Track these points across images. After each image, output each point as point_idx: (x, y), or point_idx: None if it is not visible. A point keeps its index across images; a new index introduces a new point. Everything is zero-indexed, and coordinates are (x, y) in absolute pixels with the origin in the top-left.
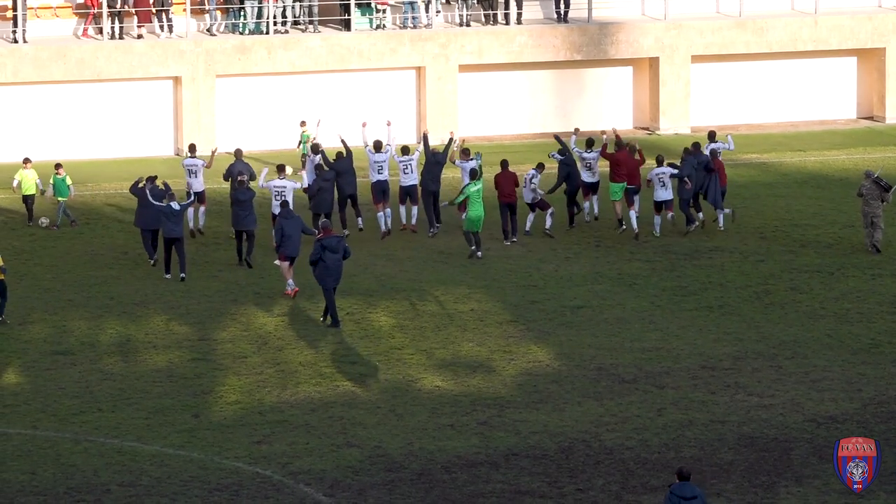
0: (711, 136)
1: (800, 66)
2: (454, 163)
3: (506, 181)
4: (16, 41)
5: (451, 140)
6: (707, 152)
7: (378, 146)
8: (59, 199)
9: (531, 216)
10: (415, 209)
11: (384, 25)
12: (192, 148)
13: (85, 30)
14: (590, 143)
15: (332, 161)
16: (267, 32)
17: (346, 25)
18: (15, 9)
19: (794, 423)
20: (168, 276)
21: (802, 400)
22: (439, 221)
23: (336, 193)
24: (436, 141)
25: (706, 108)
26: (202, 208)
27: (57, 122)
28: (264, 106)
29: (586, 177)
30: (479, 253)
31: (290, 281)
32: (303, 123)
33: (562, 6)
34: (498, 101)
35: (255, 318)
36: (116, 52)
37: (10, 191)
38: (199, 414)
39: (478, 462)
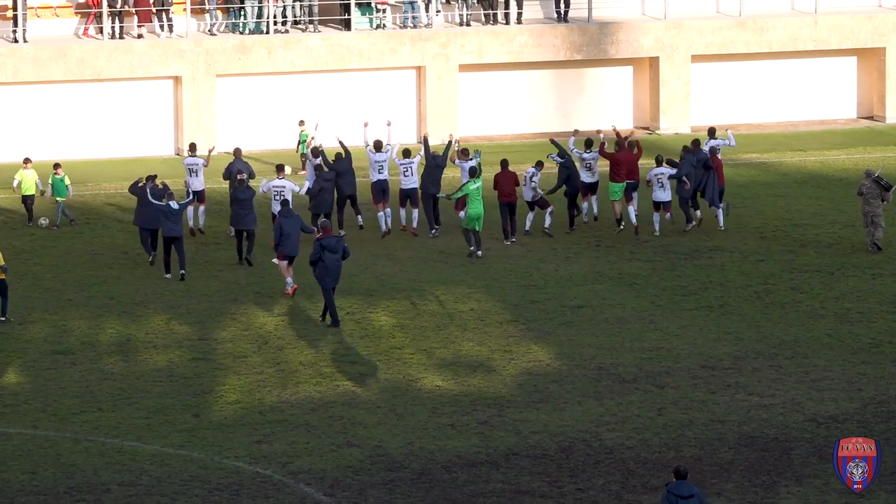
0: (712, 133)
1: (800, 66)
2: (454, 162)
3: (506, 181)
4: (16, 41)
5: (450, 142)
6: (706, 149)
7: (378, 146)
8: (58, 199)
9: (530, 215)
10: (415, 212)
11: (384, 25)
12: (193, 147)
13: (86, 29)
14: (588, 144)
15: (331, 162)
16: (267, 32)
17: (347, 25)
18: (15, 8)
19: (795, 422)
20: (168, 275)
21: (803, 399)
22: (438, 223)
23: (335, 194)
24: (436, 140)
25: (706, 108)
26: (202, 208)
27: (57, 121)
28: (264, 106)
29: (585, 177)
30: (479, 252)
31: (289, 279)
32: (301, 123)
33: (562, 6)
34: (498, 101)
35: (255, 317)
36: (117, 52)
37: (11, 191)
38: (200, 413)
39: (478, 461)
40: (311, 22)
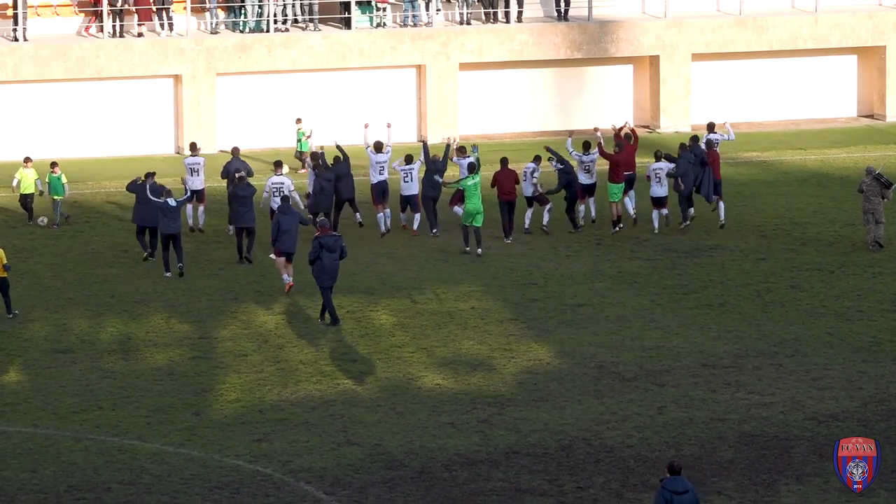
0: (711, 128)
1: (800, 65)
2: (452, 160)
3: (505, 179)
4: (16, 39)
5: (448, 146)
6: (704, 142)
7: (379, 147)
8: (55, 197)
9: (529, 212)
10: (417, 216)
11: (384, 24)
12: (193, 146)
13: (88, 27)
14: (586, 146)
15: (330, 166)
16: (267, 30)
17: (347, 24)
18: (15, 7)
19: (795, 421)
20: (168, 273)
21: (803, 398)
22: (437, 224)
23: (334, 197)
24: (436, 139)
25: (707, 107)
26: (201, 207)
27: (57, 120)
28: (265, 104)
29: (584, 178)
30: (480, 250)
31: (285, 276)
32: (298, 121)
33: (562, 4)
34: (498, 100)
35: (255, 316)
36: (117, 51)
37: (11, 190)
38: (200, 412)
39: (478, 460)
40: (311, 20)
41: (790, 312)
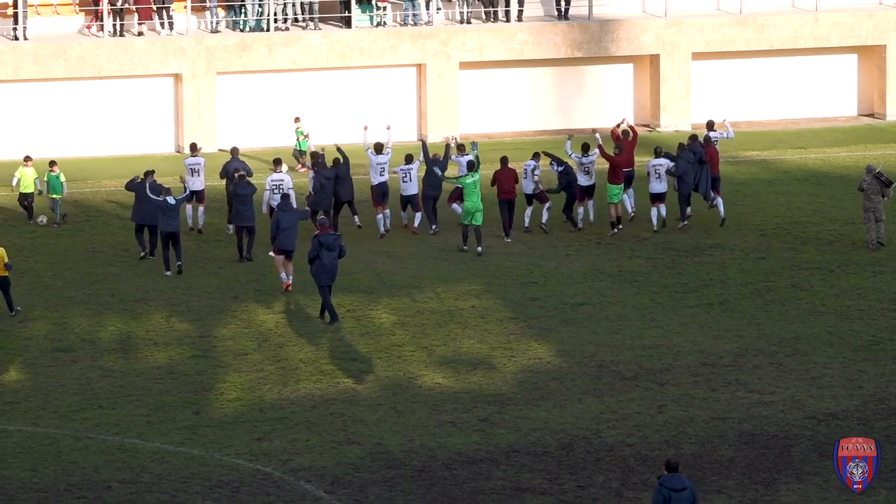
0: (710, 126)
1: (800, 64)
2: (451, 158)
3: (505, 178)
4: (16, 38)
5: (447, 146)
6: (702, 140)
7: (379, 148)
8: (53, 196)
9: (528, 210)
10: (417, 215)
11: (385, 22)
12: (194, 147)
13: (89, 25)
14: (585, 148)
15: (329, 167)
16: (267, 29)
17: (347, 22)
18: (16, 6)
19: (795, 419)
20: (168, 272)
21: (803, 397)
22: (436, 221)
23: (333, 199)
24: (436, 138)
25: (707, 105)
26: (201, 208)
27: (58, 119)
28: (265, 103)
29: (583, 180)
30: (480, 248)
31: (283, 275)
32: (297, 119)
33: (562, 3)
34: (498, 99)
35: (255, 314)
36: (117, 50)
37: (10, 189)
38: (200, 411)
39: (478, 459)
40: (311, 19)
41: (790, 311)
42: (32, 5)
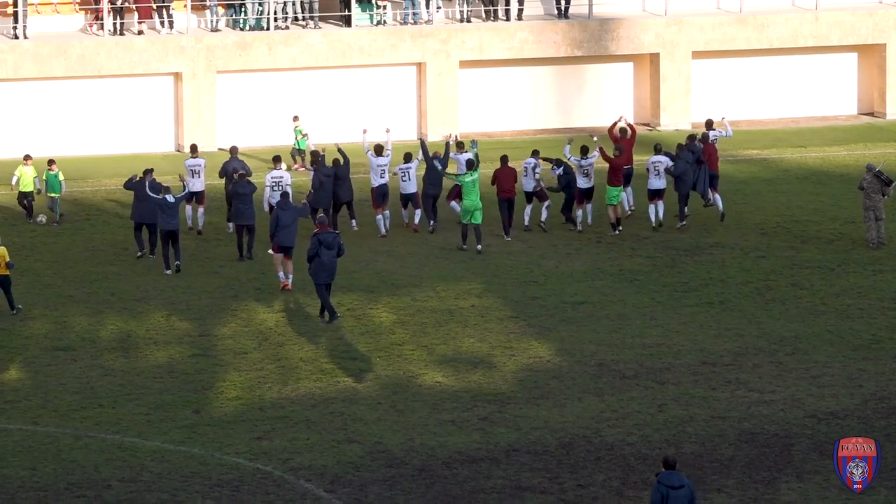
0: (709, 125)
1: (800, 63)
2: (451, 156)
3: (505, 177)
4: (16, 37)
5: (447, 145)
6: (700, 137)
7: (379, 150)
8: (51, 195)
9: (528, 209)
10: (417, 212)
11: (385, 21)
12: (194, 148)
13: (91, 24)
14: (584, 151)
15: (328, 165)
16: (267, 28)
17: (347, 21)
18: (15, 5)
19: (795, 418)
20: (168, 271)
21: (803, 396)
22: (436, 220)
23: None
24: (436, 137)
25: (707, 104)
26: (201, 209)
27: (58, 118)
28: (265, 102)
29: (582, 182)
30: (480, 246)
31: (281, 274)
32: (295, 118)
33: (562, 2)
34: (498, 98)
35: (255, 313)
36: (117, 49)
37: (10, 187)
38: (200, 410)
39: (478, 458)
40: (311, 18)
41: (790, 310)
42: (32, 4)
